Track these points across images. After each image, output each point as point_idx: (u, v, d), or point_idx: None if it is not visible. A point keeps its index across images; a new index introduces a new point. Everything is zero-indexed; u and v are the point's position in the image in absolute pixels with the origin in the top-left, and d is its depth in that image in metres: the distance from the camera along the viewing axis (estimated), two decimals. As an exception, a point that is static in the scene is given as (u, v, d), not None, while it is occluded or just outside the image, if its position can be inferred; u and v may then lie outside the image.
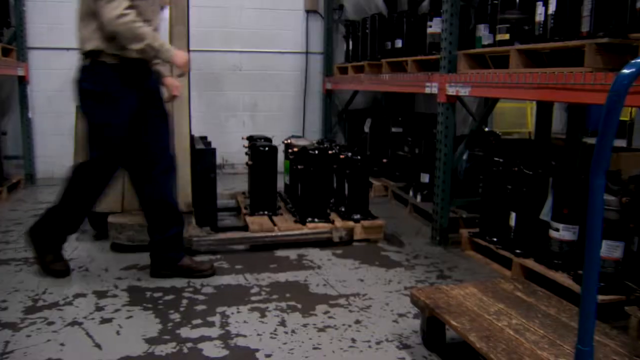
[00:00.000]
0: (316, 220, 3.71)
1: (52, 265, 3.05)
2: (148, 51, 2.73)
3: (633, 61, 1.28)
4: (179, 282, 2.98)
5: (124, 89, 2.82)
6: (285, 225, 3.68)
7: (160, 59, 2.87)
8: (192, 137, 3.81)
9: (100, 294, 2.80)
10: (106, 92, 2.79)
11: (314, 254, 3.47)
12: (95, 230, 3.77)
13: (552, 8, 2.80)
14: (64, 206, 2.99)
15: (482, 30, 3.48)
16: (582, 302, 1.36)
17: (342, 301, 2.77)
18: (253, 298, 2.80)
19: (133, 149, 2.93)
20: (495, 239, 3.31)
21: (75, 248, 3.50)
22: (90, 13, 2.74)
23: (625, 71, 1.26)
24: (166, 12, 3.61)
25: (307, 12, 6.38)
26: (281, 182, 4.38)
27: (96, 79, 2.79)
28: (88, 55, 2.80)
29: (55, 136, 5.79)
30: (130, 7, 2.67)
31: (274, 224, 3.72)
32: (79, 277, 3.03)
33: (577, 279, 2.67)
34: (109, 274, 3.09)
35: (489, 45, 3.40)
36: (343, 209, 3.77)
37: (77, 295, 2.78)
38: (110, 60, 2.78)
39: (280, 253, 3.48)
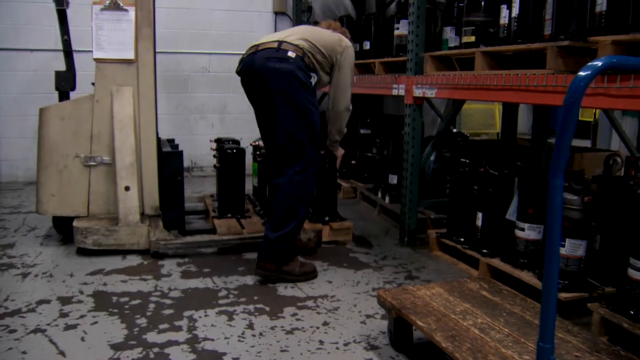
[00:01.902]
0: (284, 222, 3.69)
1: (303, 268, 3.11)
2: (337, 136, 3.33)
3: (589, 64, 1.30)
4: (146, 287, 2.94)
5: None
6: (254, 228, 3.66)
7: (334, 144, 3.42)
8: (159, 140, 3.78)
9: (65, 300, 2.75)
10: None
11: (283, 257, 3.46)
12: (60, 235, 3.71)
13: (515, 11, 2.85)
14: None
15: (449, 33, 3.52)
16: (543, 300, 1.38)
17: (310, 303, 2.77)
18: (221, 301, 2.78)
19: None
20: (462, 239, 3.35)
21: (40, 253, 3.43)
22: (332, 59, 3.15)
23: (582, 74, 1.28)
24: (132, 14, 3.58)
25: (276, 13, 6.37)
26: (250, 184, 4.37)
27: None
28: (299, 48, 3.00)
29: (20, 139, 5.68)
30: None
31: (242, 227, 3.70)
32: (42, 283, 2.97)
33: (542, 277, 2.71)
34: (74, 279, 3.03)
35: (455, 48, 3.44)
36: (311, 211, 3.77)
37: (40, 302, 2.72)
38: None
39: (248, 255, 3.47)
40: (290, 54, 2.93)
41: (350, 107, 3.24)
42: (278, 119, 2.99)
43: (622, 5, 2.34)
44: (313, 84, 3.01)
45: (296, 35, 3.07)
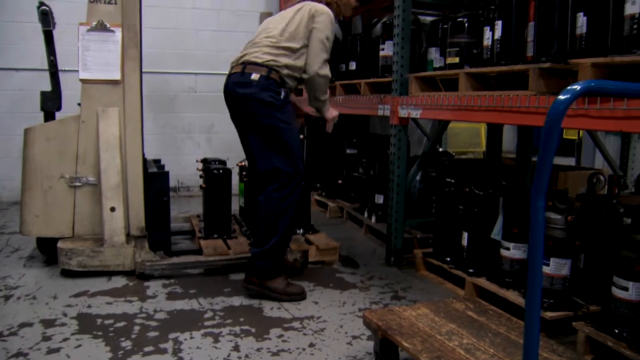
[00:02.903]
0: (271, 242, 3.69)
1: (289, 288, 3.12)
2: (322, 102, 3.27)
3: (568, 88, 1.33)
4: (131, 308, 2.92)
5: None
6: (240, 249, 3.65)
7: (319, 109, 3.33)
8: (145, 161, 3.77)
9: (48, 323, 2.72)
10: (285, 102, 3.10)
11: (269, 277, 3.45)
12: (44, 256, 3.67)
13: (498, 33, 2.89)
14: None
15: (434, 53, 3.56)
16: (526, 322, 1.39)
17: (296, 324, 2.76)
18: (207, 323, 2.76)
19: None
20: (448, 259, 3.36)
21: (23, 275, 3.40)
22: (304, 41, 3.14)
23: (561, 97, 1.30)
24: (118, 35, 3.59)
25: (263, 34, 6.39)
26: (236, 204, 4.36)
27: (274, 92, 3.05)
28: (263, 66, 3.05)
29: (5, 159, 5.64)
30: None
31: (229, 247, 3.69)
32: (25, 306, 2.94)
33: (527, 297, 2.72)
34: (58, 302, 3.00)
35: (440, 68, 3.48)
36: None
37: (22, 325, 2.69)
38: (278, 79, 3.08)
39: (234, 276, 3.45)
40: (254, 76, 3.02)
41: (324, 73, 3.16)
42: (250, 142, 3.11)
43: (601, 28, 2.39)
44: (282, 97, 3.05)
45: (262, 44, 3.13)
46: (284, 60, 3.08)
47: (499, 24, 2.86)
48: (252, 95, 3.00)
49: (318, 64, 3.13)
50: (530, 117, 2.48)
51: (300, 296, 3.10)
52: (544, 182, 1.32)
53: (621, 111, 2.01)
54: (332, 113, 3.36)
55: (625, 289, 2.33)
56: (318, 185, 5.77)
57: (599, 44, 2.39)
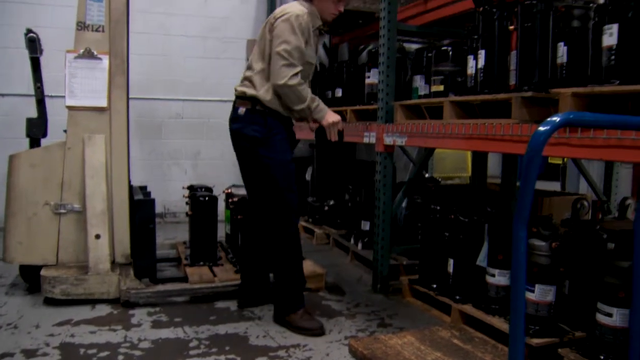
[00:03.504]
0: (257, 269, 3.68)
1: (303, 322, 3.04)
2: (305, 111, 2.98)
3: (548, 120, 1.35)
4: (115, 337, 2.88)
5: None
6: (226, 276, 3.63)
7: (314, 118, 3.06)
8: (131, 187, 3.76)
9: (30, 353, 2.68)
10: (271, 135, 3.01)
11: (255, 305, 3.43)
12: (27, 284, 3.63)
13: (481, 62, 2.93)
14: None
15: (419, 81, 3.60)
16: (510, 347, 1.40)
17: (282, 353, 2.74)
18: (192, 352, 2.74)
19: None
20: (434, 286, 3.35)
21: (5, 303, 3.35)
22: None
23: (541, 129, 1.33)
24: (105, 62, 3.60)
25: (249, 61, 6.44)
26: (223, 231, 4.35)
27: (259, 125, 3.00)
28: (246, 99, 3.01)
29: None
30: (300, 72, 2.91)
31: (214, 275, 3.67)
32: (6, 335, 2.89)
33: (513, 323, 2.73)
34: (40, 331, 2.96)
35: (425, 96, 3.52)
36: None
37: (3, 356, 2.64)
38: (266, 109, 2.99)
39: (220, 304, 3.43)
40: (240, 110, 3.02)
41: (283, 82, 2.85)
42: (242, 176, 3.21)
43: (581, 58, 2.45)
44: (267, 130, 2.97)
45: (245, 74, 3.09)
46: (262, 89, 2.97)
47: (482, 53, 2.91)
48: (240, 130, 3.02)
49: (277, 75, 2.87)
50: (513, 145, 2.52)
51: (312, 332, 2.99)
52: (525, 211, 1.34)
53: (601, 140, 2.05)
54: (329, 118, 3.03)
55: (610, 315, 2.34)
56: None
57: (579, 73, 2.45)
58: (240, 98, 3.05)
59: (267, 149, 2.98)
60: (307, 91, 2.96)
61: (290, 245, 3.05)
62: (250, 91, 2.99)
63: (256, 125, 2.98)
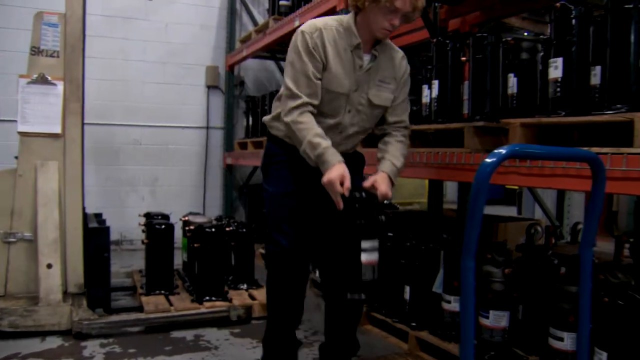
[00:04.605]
0: (213, 298, 3.64)
1: None
2: (309, 158, 2.31)
3: (494, 151, 1.39)
4: (65, 371, 2.80)
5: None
6: (182, 305, 3.57)
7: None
8: (85, 215, 3.69)
9: (-26, 389, 2.58)
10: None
11: (211, 334, 3.37)
12: (-26, 316, 3.50)
13: (435, 91, 3.00)
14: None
15: (375, 110, 3.65)
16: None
17: (238, 384, 2.70)
18: (145, 385, 2.68)
19: None
20: (391, 313, 3.37)
21: (-50, 337, 3.22)
22: None
23: (487, 161, 1.36)
24: (60, 88, 3.56)
25: (209, 87, 6.45)
26: (179, 259, 4.29)
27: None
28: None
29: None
30: (305, 105, 2.30)
31: (171, 304, 3.60)
32: (-50, 371, 2.79)
33: (468, 350, 2.75)
34: (-14, 366, 2.86)
35: (381, 124, 3.56)
36: (231, 278, 3.97)
37: (-54, 393, 2.54)
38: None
39: (176, 334, 3.36)
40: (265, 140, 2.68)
41: (284, 118, 2.34)
42: None
43: (530, 89, 2.53)
44: (272, 159, 2.54)
45: None
46: (272, 113, 2.58)
47: (436, 83, 2.98)
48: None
49: (282, 108, 2.38)
50: (466, 173, 2.57)
51: None
52: (473, 242, 1.37)
53: (548, 169, 2.11)
54: (328, 175, 2.23)
55: (561, 339, 2.39)
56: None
57: (529, 103, 2.53)
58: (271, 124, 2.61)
59: (266, 180, 2.56)
60: (308, 131, 2.27)
61: (271, 296, 2.58)
62: (269, 118, 2.61)
63: (265, 156, 2.59)
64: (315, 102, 2.31)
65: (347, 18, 2.37)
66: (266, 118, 2.60)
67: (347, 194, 2.20)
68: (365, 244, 2.21)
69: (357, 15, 2.35)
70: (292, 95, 2.30)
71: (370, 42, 2.38)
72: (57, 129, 3.54)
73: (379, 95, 2.44)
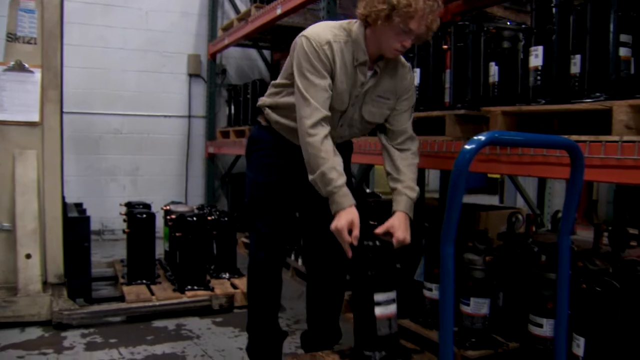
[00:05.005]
0: (195, 288, 3.64)
1: None
2: (319, 190, 2.14)
3: (474, 138, 1.39)
4: (45, 362, 2.78)
5: None
6: (164, 295, 3.56)
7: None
8: (65, 205, 3.65)
9: (-48, 381, 2.55)
10: None
11: (193, 323, 3.37)
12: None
13: (417, 80, 3.00)
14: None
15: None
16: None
17: (220, 372, 2.70)
18: (126, 374, 2.67)
19: None
20: (374, 300, 3.37)
21: None
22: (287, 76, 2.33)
23: (467, 147, 1.37)
24: (37, 76, 3.50)
25: (190, 76, 6.40)
26: (161, 248, 4.27)
27: None
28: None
29: None
30: (325, 119, 2.13)
31: (152, 293, 3.59)
32: None
33: (449, 337, 2.77)
34: (-36, 357, 2.83)
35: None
36: (213, 267, 3.98)
37: None
38: None
39: (158, 323, 3.35)
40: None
41: (303, 129, 2.13)
42: None
43: (511, 77, 2.53)
44: (249, 143, 2.51)
45: None
46: (266, 94, 2.46)
47: (417, 72, 2.98)
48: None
49: (299, 123, 2.16)
50: (448, 161, 2.57)
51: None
52: (452, 229, 1.37)
53: (528, 157, 2.12)
54: (336, 222, 2.09)
55: (540, 325, 2.41)
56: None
57: (510, 92, 2.53)
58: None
59: (248, 166, 2.51)
60: (325, 161, 2.09)
61: (250, 283, 2.57)
62: (261, 101, 2.48)
63: (251, 140, 2.52)
64: (329, 114, 2.17)
65: (355, 30, 2.20)
66: (264, 100, 2.44)
67: (355, 243, 2.06)
68: (378, 297, 2.11)
69: (366, 29, 2.19)
70: (310, 106, 2.11)
71: (375, 58, 2.26)
72: (35, 117, 3.49)
73: (373, 113, 2.34)
